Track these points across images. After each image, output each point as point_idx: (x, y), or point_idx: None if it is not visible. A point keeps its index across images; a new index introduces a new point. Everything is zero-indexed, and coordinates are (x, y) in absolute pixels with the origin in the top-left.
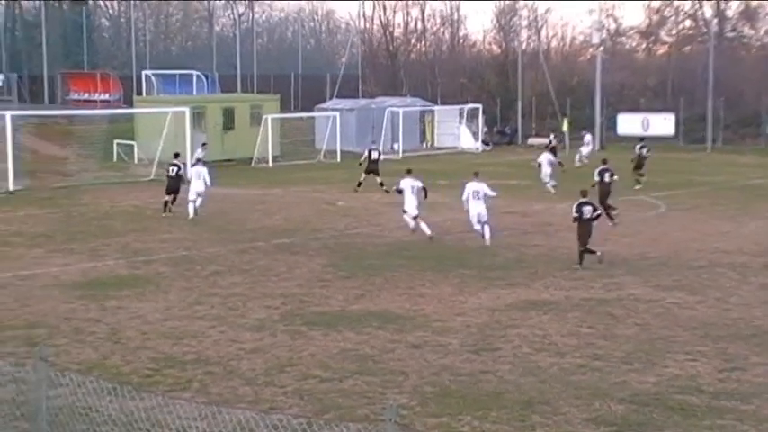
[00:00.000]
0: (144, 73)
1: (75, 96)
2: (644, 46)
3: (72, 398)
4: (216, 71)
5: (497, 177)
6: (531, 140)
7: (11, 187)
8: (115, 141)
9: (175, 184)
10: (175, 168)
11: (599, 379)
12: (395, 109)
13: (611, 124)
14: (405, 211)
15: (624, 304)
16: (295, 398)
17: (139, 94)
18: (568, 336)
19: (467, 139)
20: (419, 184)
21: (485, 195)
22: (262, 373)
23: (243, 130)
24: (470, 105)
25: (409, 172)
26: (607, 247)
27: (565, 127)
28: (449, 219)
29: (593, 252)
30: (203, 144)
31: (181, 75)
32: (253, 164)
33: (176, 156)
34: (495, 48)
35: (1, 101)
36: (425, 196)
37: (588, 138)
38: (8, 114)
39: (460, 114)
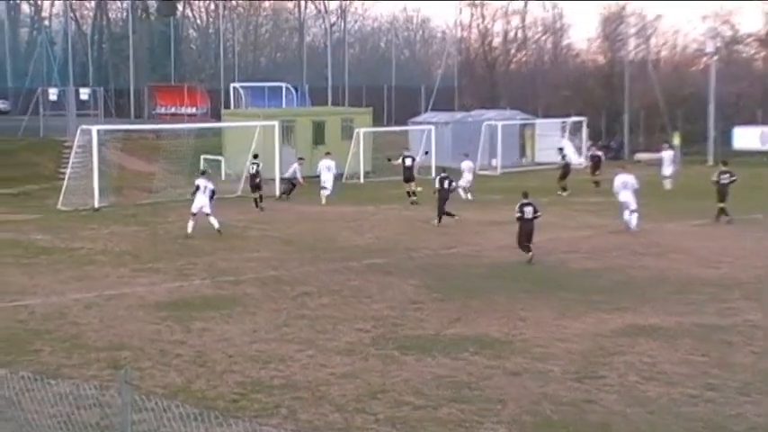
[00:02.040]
0: (232, 86)
1: (162, 110)
2: (763, 54)
3: (157, 423)
4: (306, 83)
5: (602, 195)
6: (639, 156)
7: (96, 204)
8: (202, 157)
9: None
10: (255, 166)
11: (713, 411)
12: (493, 122)
13: (726, 138)
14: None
15: (740, 331)
16: (387, 426)
17: (227, 107)
18: (679, 364)
19: (570, 154)
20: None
21: (633, 187)
22: (352, 400)
23: (334, 144)
24: (574, 118)
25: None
26: (722, 270)
27: (676, 141)
28: (551, 238)
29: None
30: (300, 159)
31: (270, 87)
32: (344, 179)
33: (255, 156)
34: (600, 57)
35: (87, 115)
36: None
37: (669, 155)
38: (94, 129)
39: (563, 128)
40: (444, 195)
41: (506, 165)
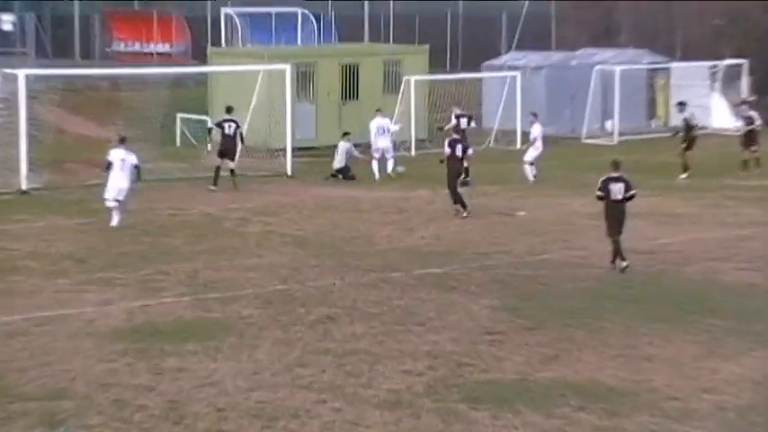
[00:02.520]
0: (224, 11)
1: (122, 47)
2: None
3: None
4: (332, 9)
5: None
6: None
7: (23, 185)
8: (179, 116)
9: (232, 146)
10: (233, 125)
11: None
12: (608, 67)
13: None
14: None
15: None
16: None
17: (216, 43)
18: None
19: (722, 115)
20: None
21: None
22: None
23: (372, 99)
24: (728, 61)
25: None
26: None
27: None
28: (692, 239)
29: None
30: (345, 134)
31: (279, 14)
32: None
33: (229, 110)
34: None
35: (10, 53)
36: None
37: None
38: (21, 74)
39: (712, 76)
40: (456, 167)
41: (627, 129)
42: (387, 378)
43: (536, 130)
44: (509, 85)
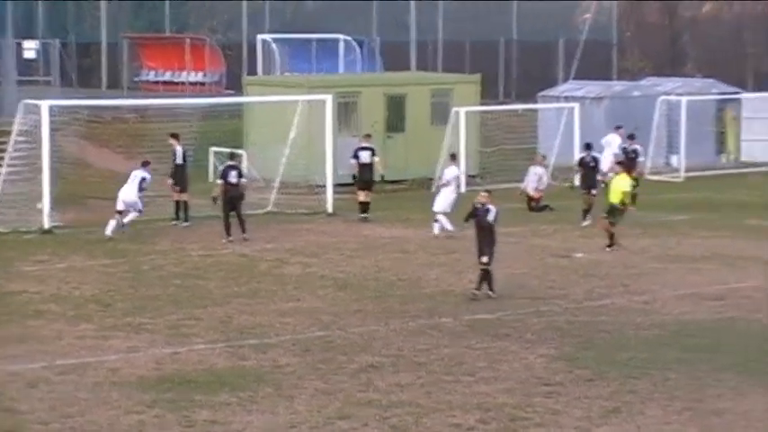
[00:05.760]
0: (260, 38)
1: (152, 76)
2: None
3: None
4: (377, 35)
5: None
6: None
7: (46, 223)
8: (212, 149)
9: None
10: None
11: None
12: (673, 97)
13: None
14: None
15: None
16: None
17: (253, 72)
18: None
19: None
20: None
21: None
22: None
23: (419, 132)
24: None
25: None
26: None
27: None
28: (763, 284)
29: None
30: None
31: (319, 41)
32: (434, 187)
33: (232, 156)
34: None
35: (34, 83)
36: None
37: None
38: (45, 105)
39: None
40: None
41: (694, 165)
42: None
43: (450, 173)
44: (567, 117)
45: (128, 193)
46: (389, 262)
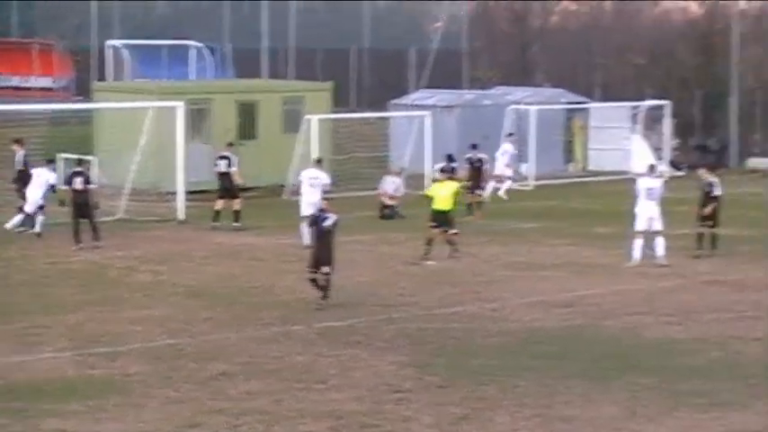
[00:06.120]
0: (110, 44)
1: None
2: None
3: None
4: (228, 42)
5: (692, 222)
6: (754, 162)
7: None
8: (61, 156)
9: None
10: (224, 162)
11: None
12: (523, 106)
13: None
14: None
15: None
16: None
17: (102, 78)
18: None
19: (643, 159)
20: None
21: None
22: None
23: (271, 139)
24: (650, 102)
25: None
26: None
27: None
28: (611, 291)
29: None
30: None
31: (170, 47)
32: (285, 194)
33: (80, 163)
34: (693, 5)
35: None
36: None
37: None
38: None
39: (633, 117)
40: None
41: (543, 174)
42: None
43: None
44: (418, 125)
45: (33, 192)
46: (241, 269)
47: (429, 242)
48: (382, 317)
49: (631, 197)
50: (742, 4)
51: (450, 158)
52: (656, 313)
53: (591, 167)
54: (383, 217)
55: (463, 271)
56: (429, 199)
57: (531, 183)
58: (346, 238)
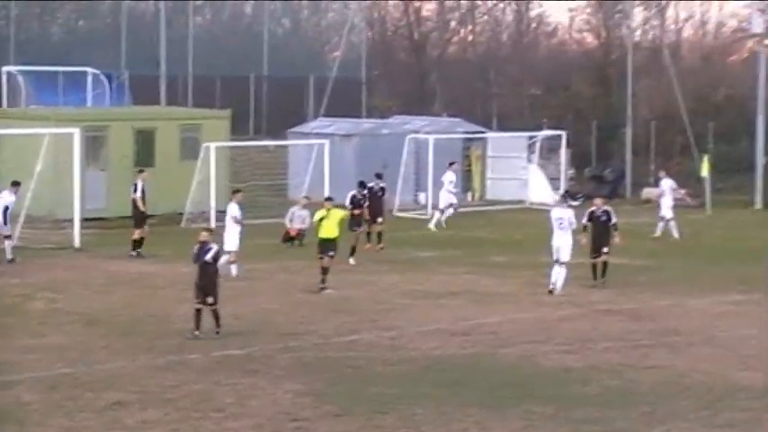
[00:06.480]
0: (5, 70)
1: None
2: None
3: None
4: (125, 69)
5: (586, 252)
6: (648, 192)
7: None
8: None
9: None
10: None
11: None
12: (421, 135)
13: None
14: None
15: None
16: None
17: None
18: None
19: (540, 189)
20: None
21: (570, 224)
22: None
23: (169, 167)
24: (547, 132)
25: None
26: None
27: (704, 171)
28: (508, 319)
29: None
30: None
31: (66, 73)
32: (184, 222)
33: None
34: (589, 37)
35: None
36: None
37: (667, 184)
38: None
39: (530, 147)
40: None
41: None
42: None
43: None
44: (317, 154)
45: None
46: (137, 298)
47: (324, 271)
48: (280, 345)
49: (527, 226)
50: (637, 36)
51: (361, 185)
52: (552, 342)
53: (488, 197)
54: (285, 240)
55: (361, 299)
56: (316, 228)
57: (430, 211)
58: (247, 266)
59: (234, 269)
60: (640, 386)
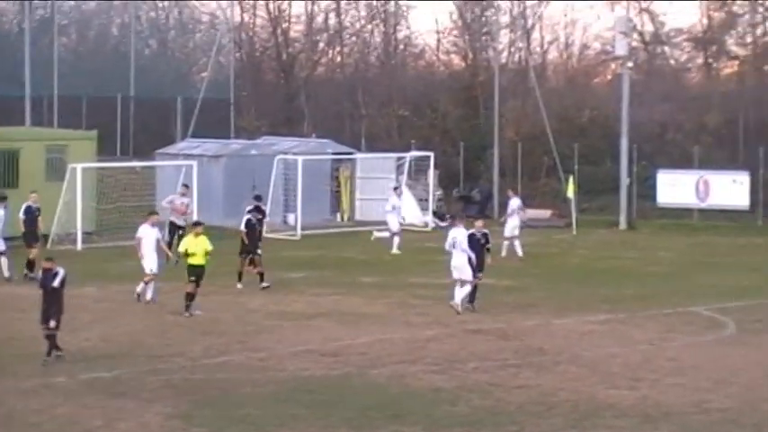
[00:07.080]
0: None
1: None
2: (700, 61)
3: None
4: None
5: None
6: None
7: None
8: None
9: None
10: None
11: None
12: (290, 156)
13: (646, 188)
14: None
15: None
16: None
17: None
18: None
19: (409, 209)
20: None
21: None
22: None
23: (34, 188)
24: (415, 153)
25: None
26: (640, 391)
27: (569, 191)
28: (378, 340)
29: None
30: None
31: None
32: (50, 244)
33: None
34: (456, 59)
35: None
36: None
37: (516, 204)
38: None
39: (399, 168)
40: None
41: (310, 224)
42: None
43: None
44: (185, 175)
45: None
46: (4, 321)
47: (191, 297)
48: (149, 367)
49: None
50: (503, 57)
51: (257, 198)
52: (421, 362)
53: (357, 217)
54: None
55: (230, 321)
56: (185, 254)
57: (299, 233)
58: (116, 287)
59: (149, 292)
60: (509, 405)
